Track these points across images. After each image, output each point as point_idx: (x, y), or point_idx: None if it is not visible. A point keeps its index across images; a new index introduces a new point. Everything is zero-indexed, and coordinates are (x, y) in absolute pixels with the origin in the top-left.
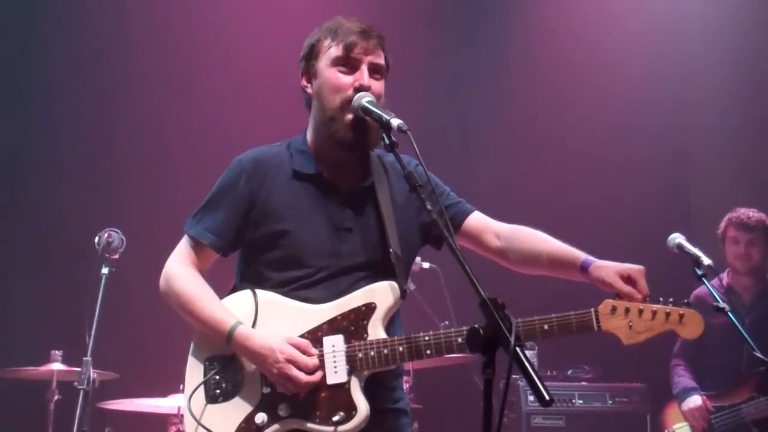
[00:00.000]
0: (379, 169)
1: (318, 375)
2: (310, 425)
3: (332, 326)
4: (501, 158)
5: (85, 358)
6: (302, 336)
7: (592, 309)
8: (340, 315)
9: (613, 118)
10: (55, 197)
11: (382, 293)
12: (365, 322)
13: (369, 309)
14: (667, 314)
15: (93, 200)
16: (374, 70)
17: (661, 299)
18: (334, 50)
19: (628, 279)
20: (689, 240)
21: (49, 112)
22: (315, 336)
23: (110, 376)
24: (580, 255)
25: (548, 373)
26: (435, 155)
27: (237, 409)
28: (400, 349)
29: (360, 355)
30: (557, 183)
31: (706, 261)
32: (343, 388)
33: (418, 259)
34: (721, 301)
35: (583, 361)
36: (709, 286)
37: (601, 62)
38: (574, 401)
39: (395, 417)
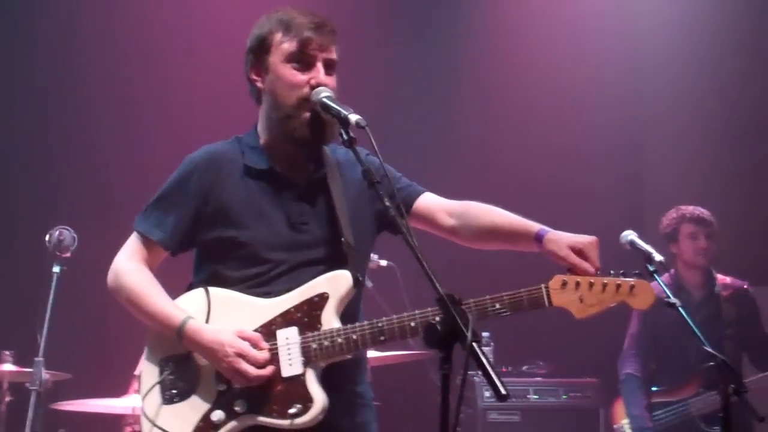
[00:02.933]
0: (331, 162)
1: (269, 369)
2: (267, 420)
3: (286, 319)
4: (455, 150)
5: (36, 359)
6: (255, 330)
7: (543, 285)
8: (293, 307)
9: (567, 115)
10: (4, 195)
11: (334, 283)
12: (318, 312)
13: (322, 299)
14: (618, 286)
15: (43, 198)
16: (328, 66)
17: (612, 272)
18: (288, 45)
19: (579, 252)
20: (641, 237)
21: None
22: (268, 330)
23: (63, 376)
24: (534, 226)
25: (503, 369)
26: (390, 142)
27: (193, 408)
28: (354, 337)
29: (314, 345)
30: (510, 179)
31: (658, 257)
32: (298, 381)
33: (375, 256)
34: (672, 297)
35: (538, 357)
36: (660, 282)
37: (557, 58)
38: (528, 396)
39: (360, 412)
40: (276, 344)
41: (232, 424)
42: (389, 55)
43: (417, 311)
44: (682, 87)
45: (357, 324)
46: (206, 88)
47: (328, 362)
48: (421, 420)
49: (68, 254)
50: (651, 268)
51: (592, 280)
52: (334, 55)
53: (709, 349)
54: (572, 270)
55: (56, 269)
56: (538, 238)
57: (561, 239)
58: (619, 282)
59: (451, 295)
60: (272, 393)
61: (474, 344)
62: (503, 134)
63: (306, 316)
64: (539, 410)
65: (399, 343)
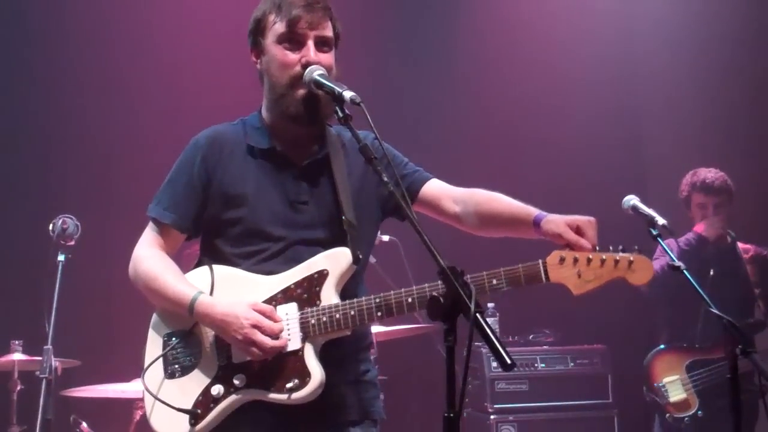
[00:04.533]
0: (336, 143)
1: (284, 340)
2: (265, 394)
3: (286, 295)
4: (456, 127)
5: (45, 347)
6: None
7: (540, 260)
8: (293, 284)
9: (569, 84)
10: (7, 185)
11: (333, 260)
12: (318, 289)
13: (321, 276)
14: (616, 261)
15: (46, 187)
16: (321, 43)
17: (611, 247)
18: (279, 26)
19: (577, 230)
20: (644, 202)
21: None
22: (269, 305)
23: (72, 363)
24: (533, 211)
25: (510, 339)
26: (389, 124)
27: (194, 382)
28: (352, 312)
29: (312, 321)
30: (512, 151)
31: (661, 221)
32: (296, 356)
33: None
34: (676, 260)
35: (544, 326)
36: (664, 245)
37: (556, 29)
38: (536, 365)
39: (364, 389)
40: None
41: (231, 398)
42: (389, 45)
43: (415, 287)
44: (680, 48)
45: (355, 300)
46: (211, 73)
47: (327, 338)
48: (429, 393)
49: (72, 243)
50: (654, 232)
51: (590, 256)
52: (327, 32)
53: (715, 311)
54: (571, 247)
55: (61, 258)
56: (536, 222)
57: (559, 219)
58: (617, 257)
59: (453, 267)
60: (271, 368)
61: (478, 315)
62: (503, 104)
63: (306, 292)
64: (547, 379)
65: (405, 317)
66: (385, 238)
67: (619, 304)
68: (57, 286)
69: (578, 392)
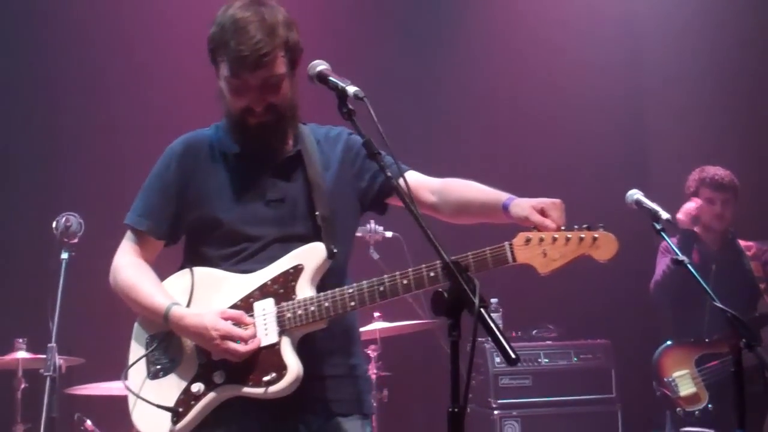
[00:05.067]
0: (309, 139)
1: (256, 342)
2: (243, 389)
3: (263, 291)
4: (458, 119)
5: (49, 345)
6: (235, 305)
7: (506, 242)
8: (270, 280)
9: (571, 77)
10: (11, 184)
11: (308, 255)
12: (293, 283)
13: (297, 271)
14: (581, 239)
15: (49, 185)
16: (271, 84)
17: (575, 226)
18: (225, 68)
19: (542, 212)
20: (647, 197)
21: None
22: (247, 303)
23: (76, 361)
24: (503, 196)
25: (513, 334)
26: (392, 121)
27: (176, 381)
28: (326, 304)
29: (288, 315)
30: (515, 142)
31: (665, 215)
32: (273, 349)
33: (380, 228)
34: (679, 254)
35: (547, 321)
36: (668, 239)
37: (558, 24)
38: (539, 360)
39: (353, 383)
40: (253, 315)
41: (211, 395)
42: (385, 40)
43: (386, 275)
44: (684, 42)
45: (329, 291)
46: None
47: (303, 331)
48: (432, 388)
49: (75, 240)
50: (658, 227)
51: (555, 235)
52: (277, 70)
53: (719, 304)
54: (538, 229)
55: (64, 255)
56: (505, 207)
57: (524, 202)
58: (582, 235)
59: (456, 262)
60: (249, 363)
61: (482, 310)
62: (506, 97)
63: (282, 287)
64: (551, 374)
65: (408, 312)
66: (389, 234)
67: (622, 299)
68: (60, 284)
69: (582, 387)
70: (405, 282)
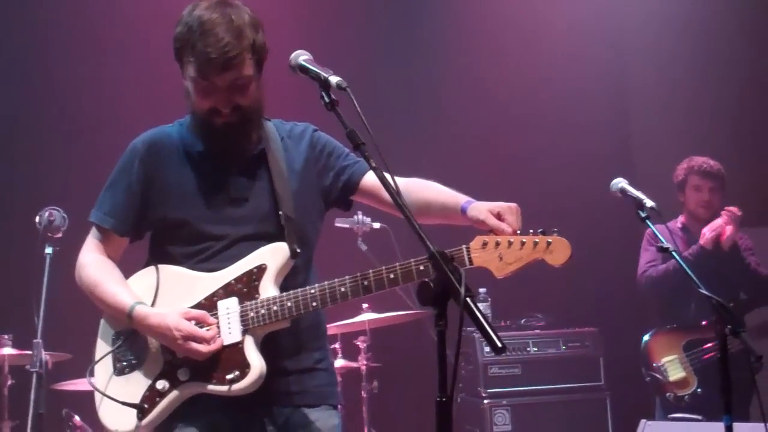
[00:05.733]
0: (274, 136)
1: (218, 342)
2: (207, 386)
3: (227, 290)
4: (441, 111)
5: (35, 341)
6: (199, 303)
7: (464, 246)
8: (233, 279)
9: (555, 68)
10: None
11: (271, 254)
12: (257, 283)
13: (260, 270)
14: (535, 243)
15: (31, 179)
16: (237, 85)
17: (531, 231)
18: (192, 69)
19: (498, 216)
20: (632, 184)
21: None
22: (211, 302)
23: (63, 357)
24: (461, 199)
25: (502, 323)
26: (377, 115)
27: (142, 378)
28: (288, 304)
29: (252, 314)
30: (499, 133)
31: (649, 203)
32: (236, 348)
33: (368, 219)
34: (664, 242)
35: (535, 310)
36: (652, 227)
37: (542, 17)
38: (528, 349)
39: (318, 376)
40: (217, 314)
41: (176, 392)
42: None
43: (347, 276)
44: (669, 30)
45: (292, 291)
46: None
47: (266, 330)
48: (423, 378)
49: (59, 235)
50: (643, 215)
51: (510, 239)
52: (244, 71)
53: (705, 291)
54: (494, 232)
55: (48, 250)
56: (463, 210)
57: (482, 205)
58: (536, 239)
59: (442, 252)
60: (213, 361)
61: (468, 299)
62: (489, 88)
63: (245, 287)
64: (540, 362)
65: (397, 303)
66: (376, 225)
67: (609, 287)
68: (45, 279)
69: (571, 375)
70: (392, 276)
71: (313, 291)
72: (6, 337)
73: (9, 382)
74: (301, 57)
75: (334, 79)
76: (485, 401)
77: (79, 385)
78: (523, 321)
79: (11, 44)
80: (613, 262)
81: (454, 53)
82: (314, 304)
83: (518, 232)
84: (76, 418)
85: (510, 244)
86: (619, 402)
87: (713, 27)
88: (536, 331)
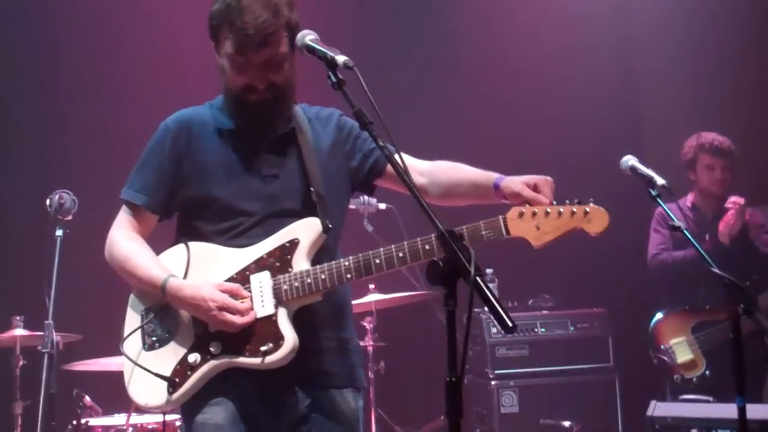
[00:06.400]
0: (302, 118)
1: (252, 315)
2: (240, 359)
3: (259, 265)
4: (450, 90)
5: (46, 322)
6: (231, 278)
7: (500, 216)
8: (266, 254)
9: (564, 47)
10: (4, 159)
11: (304, 229)
12: (289, 257)
13: (293, 244)
14: (573, 212)
15: (42, 162)
16: (273, 63)
17: (566, 201)
18: (229, 46)
19: (534, 188)
20: (642, 162)
21: None
22: (243, 276)
23: (74, 337)
24: (493, 175)
25: (510, 304)
26: (384, 95)
27: (172, 352)
28: (322, 276)
29: (285, 287)
30: (508, 113)
31: (660, 181)
32: (270, 320)
33: (374, 200)
34: (676, 220)
35: (543, 291)
36: (663, 205)
37: None
38: (536, 330)
39: (347, 356)
40: (250, 288)
41: (208, 365)
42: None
43: (382, 248)
44: (677, 8)
45: (325, 264)
46: (209, 48)
47: (299, 303)
48: (429, 359)
49: (69, 217)
50: (654, 193)
51: (547, 209)
52: (280, 49)
53: (716, 270)
54: (530, 204)
55: (59, 233)
56: (496, 185)
57: (517, 178)
58: (574, 208)
59: (451, 230)
60: (246, 334)
61: (478, 279)
62: (498, 67)
63: (278, 260)
64: (548, 343)
65: (403, 284)
66: (382, 206)
67: (618, 267)
68: (56, 261)
69: (579, 356)
70: (401, 255)
71: (347, 263)
72: (18, 318)
73: (21, 363)
74: (308, 37)
75: (340, 59)
76: (492, 382)
77: (89, 365)
78: (531, 302)
79: (18, 24)
80: (622, 243)
81: (464, 32)
82: (348, 276)
83: (553, 203)
84: (87, 398)
85: (547, 213)
86: (628, 383)
87: (728, 3)
88: (544, 311)
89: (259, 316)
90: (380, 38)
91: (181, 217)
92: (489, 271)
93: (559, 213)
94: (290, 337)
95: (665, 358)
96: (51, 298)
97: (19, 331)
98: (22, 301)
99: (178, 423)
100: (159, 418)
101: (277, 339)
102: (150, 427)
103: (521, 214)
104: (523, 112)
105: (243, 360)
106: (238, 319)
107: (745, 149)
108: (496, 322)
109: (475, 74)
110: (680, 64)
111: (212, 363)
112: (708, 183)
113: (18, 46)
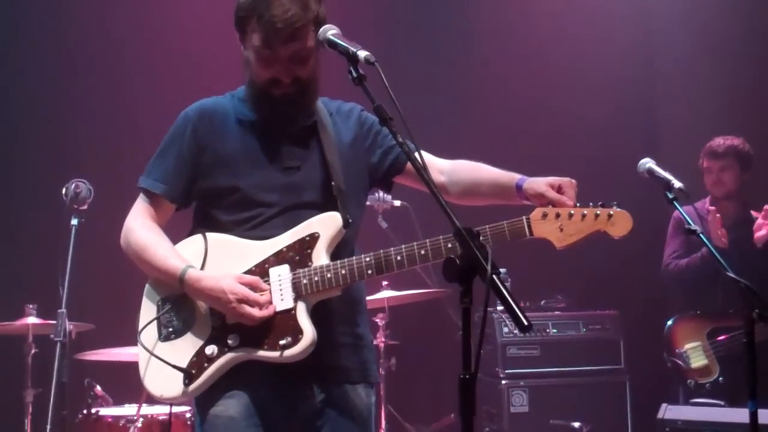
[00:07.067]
0: (324, 112)
1: (271, 308)
2: (258, 352)
3: (278, 258)
4: (468, 90)
5: (59, 311)
6: (250, 270)
7: (524, 216)
8: (285, 247)
9: (581, 47)
10: (21, 149)
11: (324, 223)
12: (309, 251)
13: (313, 239)
14: (597, 215)
15: (59, 151)
16: (299, 57)
17: (590, 203)
18: (256, 38)
19: (558, 189)
20: (659, 165)
21: (8, 59)
22: (262, 269)
23: (86, 327)
24: (515, 176)
25: (522, 304)
26: (404, 91)
27: (188, 343)
28: (343, 271)
29: (304, 281)
30: (525, 114)
31: (677, 184)
32: (289, 314)
33: (388, 197)
34: (692, 224)
35: (556, 291)
36: (680, 209)
37: None
38: (548, 330)
39: (361, 352)
40: (269, 281)
41: (225, 357)
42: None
43: (404, 245)
44: (696, 10)
45: (346, 259)
46: (224, 37)
47: (318, 297)
48: (440, 357)
49: (85, 206)
50: (670, 196)
51: (571, 211)
52: (307, 43)
53: (731, 274)
54: (553, 205)
55: (74, 222)
56: (519, 186)
57: (540, 179)
58: (597, 211)
59: (468, 228)
60: (264, 327)
61: (494, 277)
62: (516, 67)
63: (297, 254)
64: (559, 344)
65: (416, 281)
66: (397, 203)
67: (631, 270)
68: (70, 250)
69: (590, 358)
70: (422, 252)
71: (368, 259)
72: (31, 306)
73: (33, 351)
74: (330, 32)
75: (362, 54)
76: (503, 381)
77: (101, 355)
78: (543, 302)
79: (35, 12)
80: (636, 245)
81: (483, 31)
82: (369, 271)
83: (576, 205)
84: (98, 387)
85: (571, 216)
86: (638, 386)
87: (747, 3)
88: (556, 312)
89: (278, 309)
90: (398, 35)
91: (199, 206)
92: (502, 270)
93: (583, 215)
94: (309, 332)
95: (679, 363)
96: (65, 287)
97: (32, 320)
98: (35, 289)
99: (188, 415)
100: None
101: (296, 333)
102: (160, 418)
103: (545, 215)
104: (540, 113)
105: (261, 353)
106: (257, 312)
107: (765, 151)
108: (512, 321)
109: (493, 75)
110: (699, 66)
111: (229, 355)
112: (708, 185)
113: (34, 34)
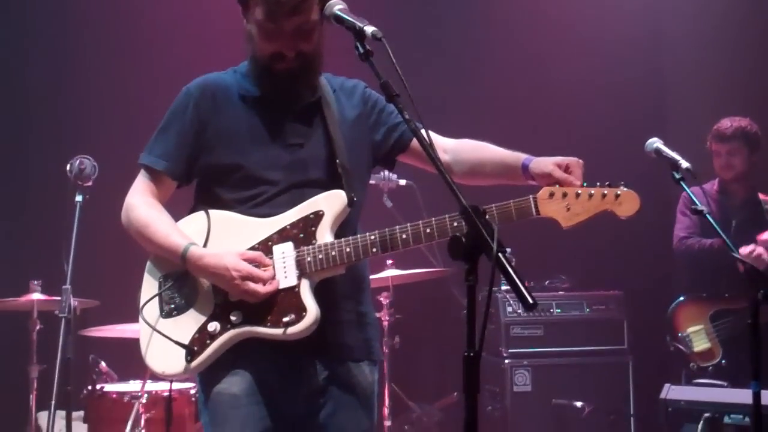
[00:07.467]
0: (327, 88)
1: (275, 284)
2: (261, 329)
3: (282, 235)
4: (476, 69)
5: (64, 287)
6: (253, 248)
7: (531, 196)
8: (289, 224)
9: (588, 26)
10: (25, 125)
11: (328, 201)
12: (314, 228)
13: (317, 216)
14: (604, 195)
15: (63, 127)
16: (302, 31)
17: (597, 183)
18: (259, 12)
19: (565, 168)
20: (667, 145)
21: (14, 36)
22: (266, 246)
23: (91, 303)
24: (521, 156)
25: (526, 284)
26: (411, 67)
27: (191, 320)
28: (347, 249)
29: (309, 258)
30: (532, 95)
31: (684, 164)
32: (293, 292)
33: (394, 176)
34: (699, 204)
35: (560, 271)
36: (687, 189)
37: None
38: (551, 310)
39: (364, 329)
40: (272, 258)
41: (228, 334)
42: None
43: (409, 224)
44: None
45: (350, 237)
46: (233, 15)
47: (322, 275)
48: (444, 335)
49: (90, 183)
50: (677, 176)
51: (578, 190)
52: (310, 16)
53: (737, 255)
54: (560, 185)
55: (79, 198)
56: (525, 166)
57: (547, 159)
58: (605, 191)
59: (475, 206)
60: (267, 304)
61: (500, 255)
62: (525, 47)
63: (301, 232)
64: (563, 324)
65: (420, 260)
66: (402, 182)
67: (635, 250)
68: (75, 226)
69: (593, 338)
70: (428, 231)
71: (372, 237)
72: (35, 282)
73: (38, 327)
74: (336, 6)
75: (369, 29)
76: (506, 361)
77: (105, 331)
78: (547, 282)
79: None
80: (641, 226)
81: (492, 10)
82: (374, 249)
83: (584, 185)
84: (103, 364)
85: (578, 195)
86: (641, 366)
87: None
88: (560, 292)
89: (281, 286)
90: (407, 7)
91: (201, 183)
92: (507, 250)
93: (590, 195)
94: (313, 309)
95: (681, 347)
96: (69, 263)
97: (37, 296)
98: (40, 265)
99: (192, 392)
100: (175, 386)
101: (300, 310)
102: (165, 394)
103: (552, 195)
104: (548, 93)
105: (264, 330)
106: (261, 288)
107: None
108: (517, 299)
109: (500, 53)
110: (708, 47)
111: (232, 332)
112: (717, 169)
113: (39, 11)
